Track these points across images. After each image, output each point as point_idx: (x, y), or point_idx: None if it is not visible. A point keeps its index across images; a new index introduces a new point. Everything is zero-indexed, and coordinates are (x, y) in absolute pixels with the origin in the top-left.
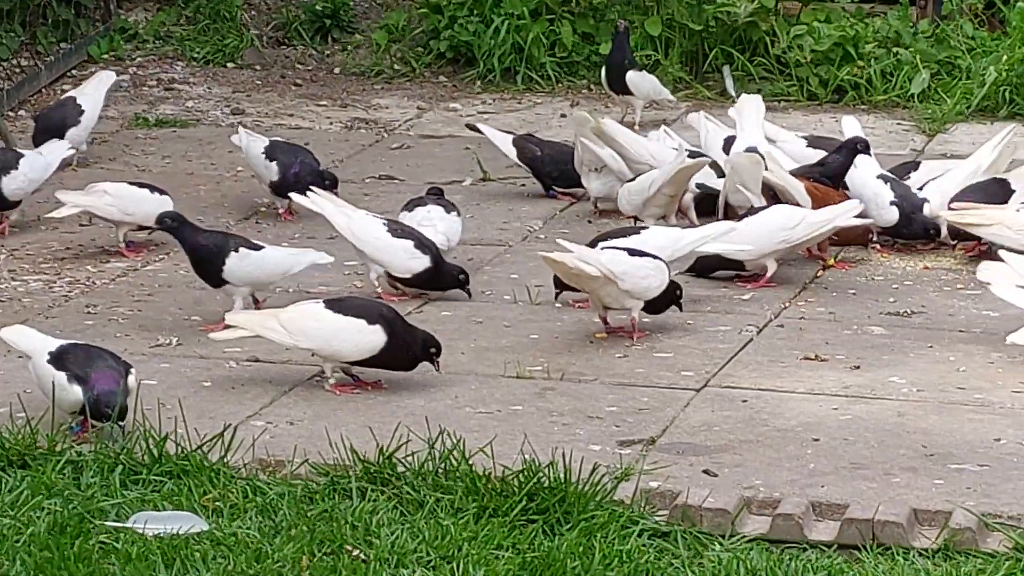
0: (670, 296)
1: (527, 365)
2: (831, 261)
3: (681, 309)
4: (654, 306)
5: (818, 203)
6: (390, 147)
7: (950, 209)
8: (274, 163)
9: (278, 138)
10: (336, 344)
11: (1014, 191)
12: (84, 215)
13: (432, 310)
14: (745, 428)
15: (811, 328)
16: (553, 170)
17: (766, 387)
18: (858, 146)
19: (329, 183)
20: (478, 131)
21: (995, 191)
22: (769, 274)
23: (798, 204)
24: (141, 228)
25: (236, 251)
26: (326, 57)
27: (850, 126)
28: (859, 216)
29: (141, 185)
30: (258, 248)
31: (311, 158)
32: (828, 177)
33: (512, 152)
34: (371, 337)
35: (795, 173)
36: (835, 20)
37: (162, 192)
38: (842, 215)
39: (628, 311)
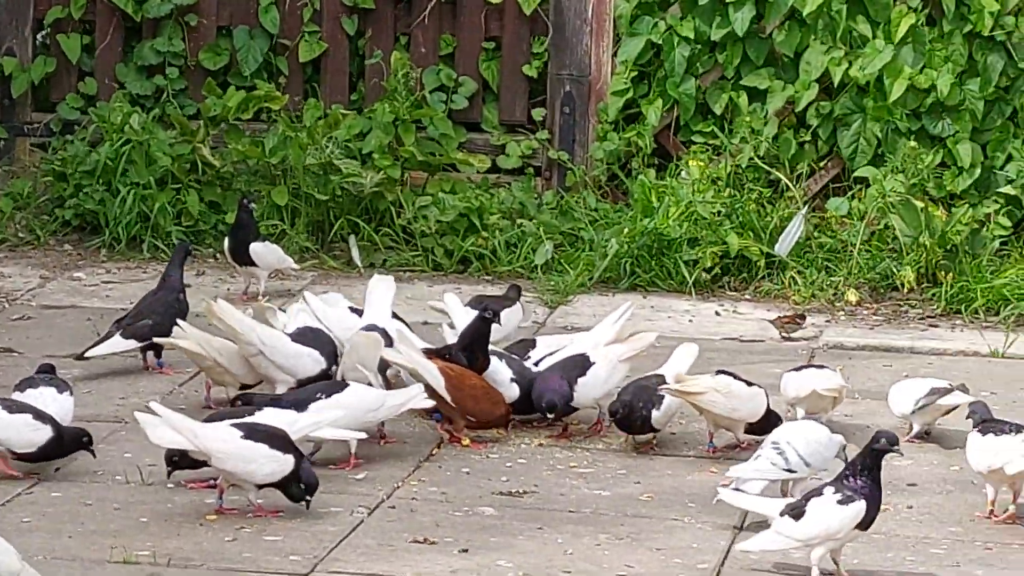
0: (297, 492)
1: (135, 550)
2: (466, 441)
3: (308, 507)
4: (284, 490)
5: (452, 383)
6: (10, 318)
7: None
8: None
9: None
10: None
11: (593, 363)
12: None
13: (42, 491)
14: None
15: (422, 509)
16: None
17: (374, 571)
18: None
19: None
20: (85, 358)
21: (573, 365)
22: (353, 450)
23: (431, 385)
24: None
25: None
26: None
27: (452, 303)
28: None
29: None
30: None
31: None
32: None
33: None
34: None
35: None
36: (460, 191)
37: None
38: (415, 398)
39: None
